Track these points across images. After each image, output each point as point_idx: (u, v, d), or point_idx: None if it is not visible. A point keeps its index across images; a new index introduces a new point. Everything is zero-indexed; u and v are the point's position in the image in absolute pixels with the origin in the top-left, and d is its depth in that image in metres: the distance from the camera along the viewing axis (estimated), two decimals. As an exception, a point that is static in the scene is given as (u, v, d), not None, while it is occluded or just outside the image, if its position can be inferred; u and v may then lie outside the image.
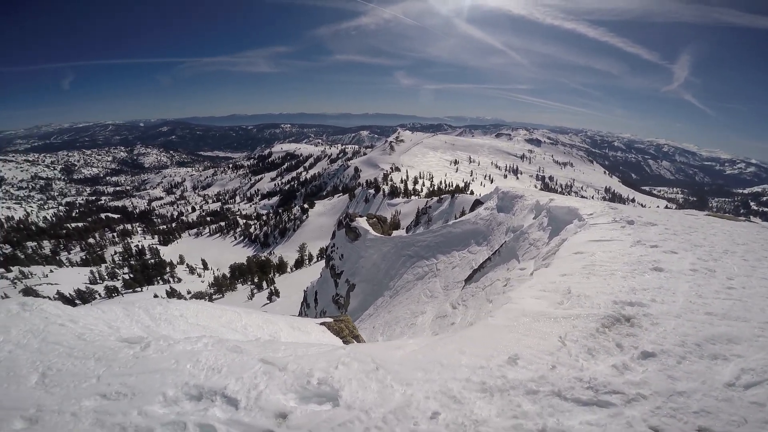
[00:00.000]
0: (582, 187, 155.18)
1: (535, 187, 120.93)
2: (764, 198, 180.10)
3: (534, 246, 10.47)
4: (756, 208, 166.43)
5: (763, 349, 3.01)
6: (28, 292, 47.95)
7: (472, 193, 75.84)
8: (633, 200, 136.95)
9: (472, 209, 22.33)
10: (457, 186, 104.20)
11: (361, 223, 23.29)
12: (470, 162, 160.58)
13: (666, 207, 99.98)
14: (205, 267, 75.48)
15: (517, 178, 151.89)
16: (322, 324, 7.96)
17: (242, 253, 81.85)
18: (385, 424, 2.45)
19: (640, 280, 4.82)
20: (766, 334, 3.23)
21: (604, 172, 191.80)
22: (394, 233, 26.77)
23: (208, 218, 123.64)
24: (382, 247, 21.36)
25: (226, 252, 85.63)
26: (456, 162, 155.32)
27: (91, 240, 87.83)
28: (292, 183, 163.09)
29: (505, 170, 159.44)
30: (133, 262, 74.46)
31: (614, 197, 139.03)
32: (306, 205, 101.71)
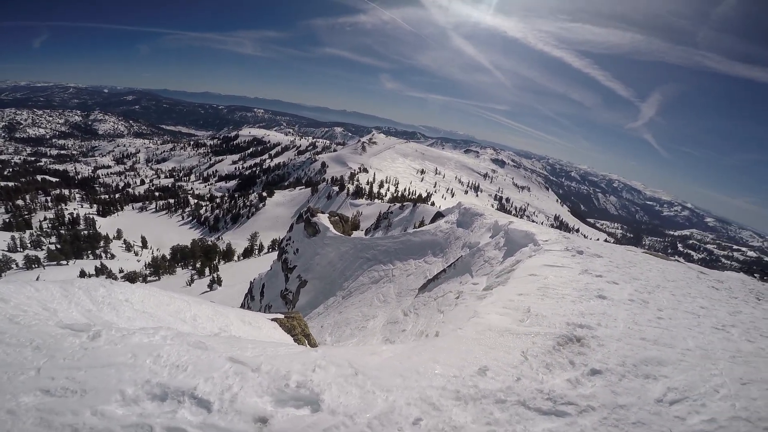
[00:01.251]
0: (534, 212, 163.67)
1: (492, 206, 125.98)
2: (690, 241, 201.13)
3: (488, 263, 10.76)
4: (682, 249, 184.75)
5: (684, 372, 3.48)
6: None
7: (433, 204, 77.34)
8: (578, 230, 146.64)
9: (433, 221, 22.66)
10: (420, 195, 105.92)
11: (323, 219, 22.84)
12: (436, 173, 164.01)
13: (605, 240, 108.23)
14: (144, 245, 70.43)
15: (477, 195, 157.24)
16: (273, 320, 7.61)
17: (188, 235, 77.21)
18: (371, 429, 2.48)
19: (587, 305, 5.21)
20: (687, 359, 3.73)
21: (557, 200, 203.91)
22: (354, 234, 26.53)
23: (157, 193, 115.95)
24: (341, 247, 21.08)
25: (170, 232, 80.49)
26: (423, 171, 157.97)
27: (19, 202, 78.33)
28: (254, 169, 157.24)
29: (467, 186, 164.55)
30: (63, 232, 67.63)
31: (561, 225, 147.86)
32: (265, 193, 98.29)
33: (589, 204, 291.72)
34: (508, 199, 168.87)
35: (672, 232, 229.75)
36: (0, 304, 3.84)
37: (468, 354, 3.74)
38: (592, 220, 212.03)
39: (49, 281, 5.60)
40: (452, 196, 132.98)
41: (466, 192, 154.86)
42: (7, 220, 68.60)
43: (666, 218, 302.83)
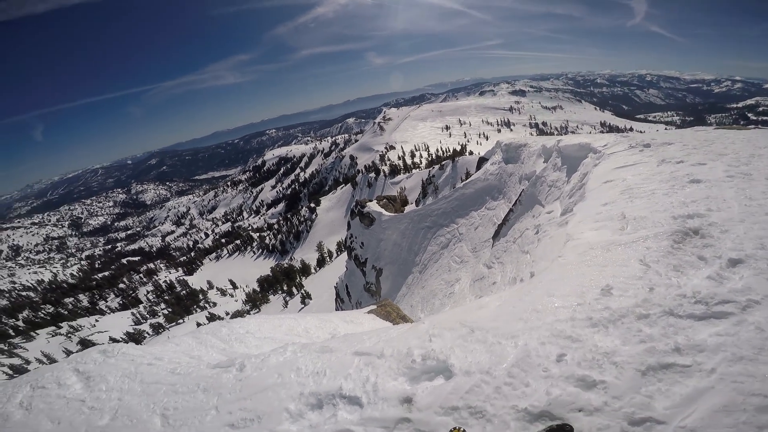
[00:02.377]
0: (577, 126, 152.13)
1: (531, 134, 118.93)
2: (759, 109, 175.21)
3: (554, 187, 10.38)
4: (755, 118, 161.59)
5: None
6: (85, 343, 50.55)
7: (471, 153, 74.98)
8: (631, 129, 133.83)
9: (478, 167, 22.15)
10: (455, 150, 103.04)
11: (373, 207, 23.32)
12: (461, 124, 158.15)
13: (666, 129, 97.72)
14: (234, 286, 77.03)
15: (511, 129, 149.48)
16: (369, 312, 8.10)
17: (264, 265, 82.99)
18: (514, 378, 2.43)
19: (684, 194, 4.71)
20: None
21: (595, 108, 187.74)
22: (406, 209, 26.78)
23: (223, 240, 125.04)
24: (399, 225, 21.42)
25: (250, 268, 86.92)
26: (447, 127, 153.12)
27: (121, 285, 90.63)
28: (293, 186, 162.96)
29: (497, 125, 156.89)
30: (166, 297, 76.90)
31: (611, 129, 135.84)
32: (312, 204, 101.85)
33: (630, 102, 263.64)
34: (544, 123, 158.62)
35: (735, 105, 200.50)
36: (157, 362, 4.57)
37: (581, 279, 3.43)
38: (641, 116, 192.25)
39: (181, 335, 6.57)
40: (487, 140, 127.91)
41: (499, 131, 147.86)
42: (121, 302, 79.83)
43: (720, 95, 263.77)
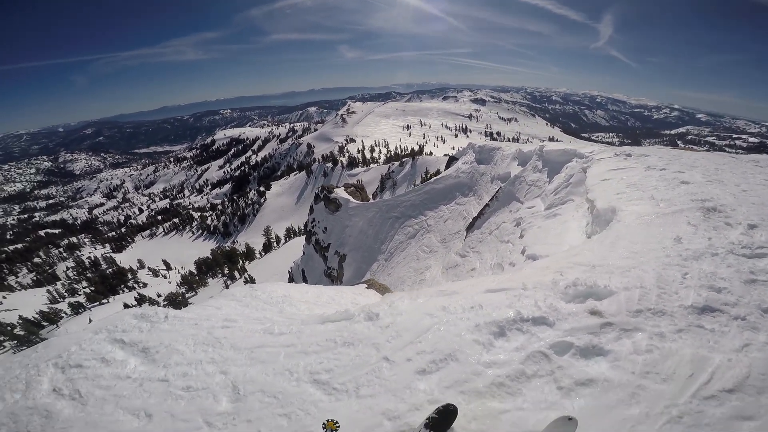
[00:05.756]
0: (528, 139, 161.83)
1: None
2: (688, 137, 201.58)
3: (535, 186, 11.01)
4: (683, 146, 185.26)
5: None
6: None
7: (431, 154, 76.80)
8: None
9: (447, 166, 22.75)
10: (413, 149, 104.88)
11: (340, 193, 23.00)
12: (422, 125, 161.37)
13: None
14: (168, 267, 71.24)
15: (467, 136, 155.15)
16: (369, 288, 8.00)
17: (204, 247, 77.82)
18: (663, 290, 2.89)
19: (682, 189, 5.44)
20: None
21: (546, 124, 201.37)
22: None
23: (159, 217, 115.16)
24: (367, 213, 21.37)
25: (187, 248, 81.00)
26: (408, 127, 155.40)
27: (36, 260, 79.11)
28: (243, 168, 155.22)
29: (455, 130, 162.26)
30: (90, 275, 68.58)
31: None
32: (262, 188, 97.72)
33: (579, 121, 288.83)
34: (498, 133, 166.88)
35: (668, 132, 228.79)
36: (236, 325, 3.96)
37: (650, 234, 4.14)
38: (585, 135, 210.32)
39: (214, 299, 5.55)
40: (443, 143, 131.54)
41: (456, 135, 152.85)
42: (35, 278, 69.76)
43: (658, 121, 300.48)
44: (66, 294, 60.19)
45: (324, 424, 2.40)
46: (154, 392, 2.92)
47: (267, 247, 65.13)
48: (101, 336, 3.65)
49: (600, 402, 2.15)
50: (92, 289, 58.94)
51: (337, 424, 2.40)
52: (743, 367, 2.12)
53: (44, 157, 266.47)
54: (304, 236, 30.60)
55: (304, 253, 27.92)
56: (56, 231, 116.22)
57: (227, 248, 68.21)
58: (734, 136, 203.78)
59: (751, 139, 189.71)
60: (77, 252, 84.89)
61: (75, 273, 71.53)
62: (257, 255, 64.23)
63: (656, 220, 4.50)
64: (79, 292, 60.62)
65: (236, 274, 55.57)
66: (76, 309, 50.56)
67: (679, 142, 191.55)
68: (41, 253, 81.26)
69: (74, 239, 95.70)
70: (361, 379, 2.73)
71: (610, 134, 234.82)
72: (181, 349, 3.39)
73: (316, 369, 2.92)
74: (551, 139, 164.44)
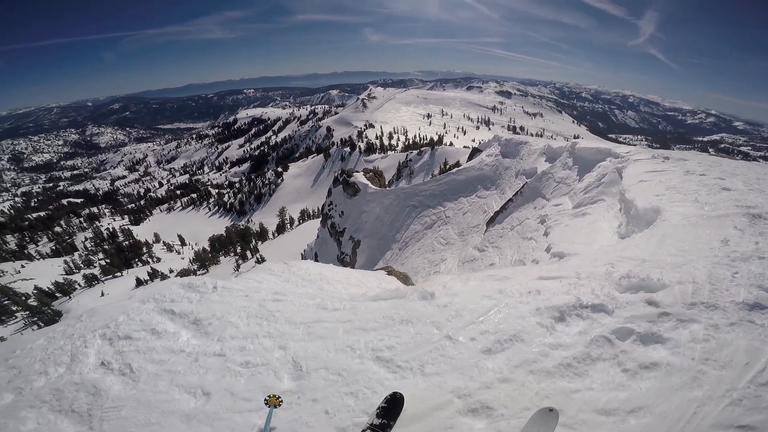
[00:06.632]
0: (552, 136, 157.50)
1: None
2: (722, 145, 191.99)
3: (563, 183, 10.52)
4: (713, 154, 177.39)
5: None
6: (4, 290, 44.09)
7: (451, 144, 75.60)
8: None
9: (470, 158, 22.20)
10: (432, 139, 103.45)
11: (360, 177, 22.76)
12: (443, 115, 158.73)
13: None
14: (183, 243, 72.77)
15: (489, 129, 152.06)
16: (389, 275, 7.84)
17: (219, 224, 79.18)
18: (715, 286, 2.91)
19: (723, 195, 5.17)
20: None
21: (573, 122, 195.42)
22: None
23: (178, 192, 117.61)
24: (384, 200, 21.13)
25: (202, 225, 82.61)
26: (429, 116, 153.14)
27: (57, 229, 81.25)
28: (262, 148, 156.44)
29: (477, 122, 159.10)
30: (106, 247, 70.38)
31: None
32: (280, 169, 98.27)
33: (607, 121, 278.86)
34: (522, 128, 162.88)
35: (700, 138, 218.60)
36: (286, 299, 3.93)
37: (697, 234, 4.08)
38: (613, 136, 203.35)
39: (252, 273, 5.65)
40: (464, 134, 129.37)
41: (478, 127, 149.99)
42: (54, 248, 72.02)
43: (691, 126, 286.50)
44: (82, 265, 61.90)
45: (266, 399, 2.37)
46: (210, 368, 2.79)
47: (281, 228, 65.73)
48: (149, 306, 3.55)
49: (664, 384, 2.24)
50: (107, 261, 60.61)
51: (280, 399, 2.40)
52: (794, 359, 2.19)
53: (72, 129, 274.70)
54: (320, 219, 30.57)
55: (318, 236, 27.97)
56: (78, 200, 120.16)
57: (242, 227, 69.18)
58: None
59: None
60: (97, 222, 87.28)
61: (93, 244, 73.50)
62: (270, 235, 64.93)
63: (702, 222, 4.45)
64: (95, 264, 62.33)
65: (248, 253, 56.30)
66: (90, 281, 51.95)
67: (711, 150, 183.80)
68: (62, 222, 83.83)
69: (95, 209, 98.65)
70: (425, 357, 2.72)
71: (639, 137, 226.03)
72: (235, 322, 3.29)
73: (377, 346, 2.91)
74: (576, 137, 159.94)
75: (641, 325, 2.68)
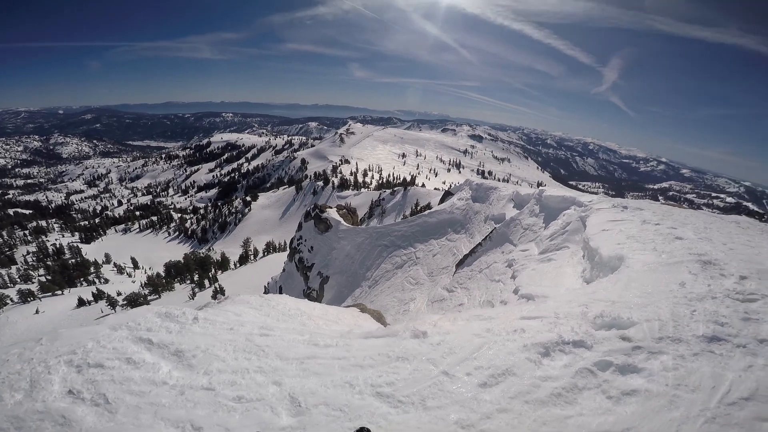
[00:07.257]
0: (517, 182, 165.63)
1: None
2: (670, 193, 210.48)
3: (530, 230, 10.94)
4: (663, 201, 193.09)
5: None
6: None
7: (423, 185, 77.58)
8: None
9: (442, 200, 22.78)
10: (405, 179, 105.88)
11: (333, 213, 22.64)
12: (417, 155, 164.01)
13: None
14: (136, 266, 68.27)
15: (459, 172, 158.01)
16: (363, 312, 7.64)
17: (178, 250, 75.12)
18: (677, 322, 3.31)
19: (677, 244, 5.68)
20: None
21: (537, 168, 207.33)
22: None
23: (138, 213, 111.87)
24: (356, 238, 21.01)
25: (159, 249, 78.17)
26: (404, 155, 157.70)
27: None
28: (233, 174, 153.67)
29: (449, 164, 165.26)
30: (50, 263, 64.86)
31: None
32: (248, 198, 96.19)
33: (569, 168, 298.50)
34: (490, 172, 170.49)
35: (651, 186, 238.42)
36: (274, 334, 3.90)
37: (657, 278, 4.51)
38: (573, 183, 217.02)
39: (231, 305, 5.48)
40: (435, 176, 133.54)
41: (449, 170, 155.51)
42: None
43: (643, 173, 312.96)
44: (18, 279, 56.53)
45: None
46: (199, 402, 2.68)
47: (243, 259, 63.24)
48: (122, 333, 3.35)
49: (646, 408, 2.51)
50: (48, 278, 55.62)
51: None
52: (752, 381, 2.58)
53: (36, 136, 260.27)
54: (287, 253, 29.78)
55: (284, 269, 27.08)
56: (27, 212, 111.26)
57: (201, 254, 66.01)
58: (713, 194, 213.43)
59: (729, 199, 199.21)
60: (43, 237, 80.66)
61: (35, 259, 67.65)
62: (232, 266, 62.23)
63: (661, 268, 4.93)
64: (33, 280, 57.06)
65: (206, 282, 53.33)
66: (25, 297, 47.28)
67: (660, 198, 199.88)
68: (4, 233, 76.85)
69: (43, 223, 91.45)
70: (425, 391, 2.89)
71: (597, 184, 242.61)
72: (222, 355, 3.21)
73: (377, 382, 2.98)
74: (539, 184, 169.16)
75: (618, 357, 3.00)
